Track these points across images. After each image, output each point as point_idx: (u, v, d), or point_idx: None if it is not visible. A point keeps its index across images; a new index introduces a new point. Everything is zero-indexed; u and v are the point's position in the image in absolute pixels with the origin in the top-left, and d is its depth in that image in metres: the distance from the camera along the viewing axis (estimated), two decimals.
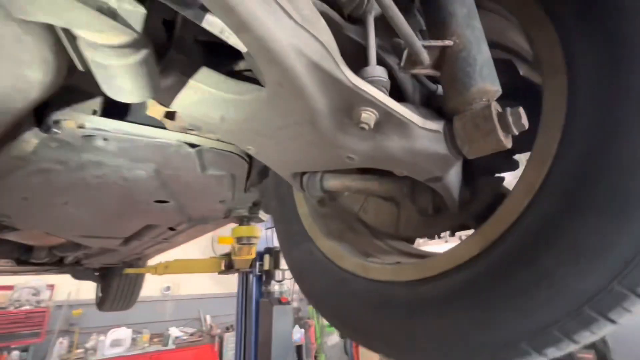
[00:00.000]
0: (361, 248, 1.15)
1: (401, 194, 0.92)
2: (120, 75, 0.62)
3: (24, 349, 6.03)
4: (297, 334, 7.00)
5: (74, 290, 7.03)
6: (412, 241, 1.27)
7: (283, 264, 3.90)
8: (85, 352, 6.49)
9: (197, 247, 6.96)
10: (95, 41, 0.54)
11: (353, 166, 0.78)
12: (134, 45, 0.59)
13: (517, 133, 0.57)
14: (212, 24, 0.67)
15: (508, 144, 0.58)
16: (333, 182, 1.03)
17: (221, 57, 0.99)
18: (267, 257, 4.14)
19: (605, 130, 0.58)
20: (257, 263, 4.17)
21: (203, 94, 0.83)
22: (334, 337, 8.17)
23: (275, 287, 4.09)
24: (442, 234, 1.04)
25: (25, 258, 2.54)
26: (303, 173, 1.06)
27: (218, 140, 1.07)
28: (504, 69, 0.85)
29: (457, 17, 0.62)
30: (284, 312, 3.84)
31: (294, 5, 0.51)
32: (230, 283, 5.95)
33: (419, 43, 0.58)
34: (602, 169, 0.57)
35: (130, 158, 1.02)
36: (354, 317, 0.94)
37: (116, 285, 3.92)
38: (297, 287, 4.86)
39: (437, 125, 0.64)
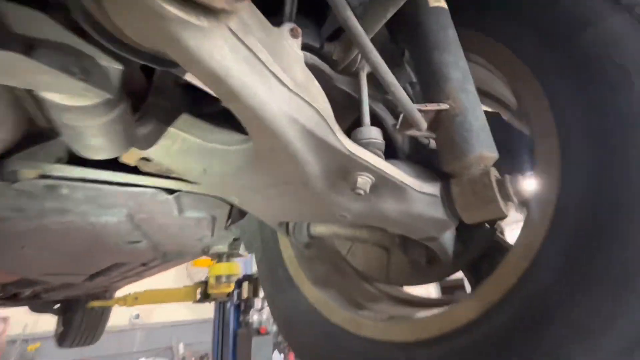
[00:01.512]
0: (350, 294, 1.10)
1: (392, 243, 0.89)
2: (92, 134, 0.56)
3: None
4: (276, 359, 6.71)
5: (31, 322, 6.44)
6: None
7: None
8: None
9: (171, 271, 6.64)
10: (64, 103, 0.48)
11: (345, 222, 0.74)
12: (108, 104, 0.54)
13: (516, 201, 0.56)
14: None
15: (508, 211, 0.56)
16: (321, 229, 0.99)
17: (207, 98, 0.95)
18: (245, 285, 3.97)
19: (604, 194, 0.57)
20: (235, 291, 3.99)
21: (184, 144, 0.78)
22: None
23: (254, 316, 3.91)
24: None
25: None
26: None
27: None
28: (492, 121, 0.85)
29: (452, 80, 0.61)
30: (263, 344, 3.65)
31: (287, 71, 0.48)
32: (207, 308, 5.67)
33: (413, 107, 0.56)
34: (602, 236, 0.56)
35: (98, 205, 0.93)
36: None
37: (79, 319, 3.61)
38: None
39: (434, 189, 0.61)
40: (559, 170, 0.61)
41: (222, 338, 4.11)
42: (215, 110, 0.96)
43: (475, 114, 0.59)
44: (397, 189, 0.60)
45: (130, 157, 0.87)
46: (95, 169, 0.85)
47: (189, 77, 0.62)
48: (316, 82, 0.55)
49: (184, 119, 0.80)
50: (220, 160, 0.74)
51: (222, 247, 1.67)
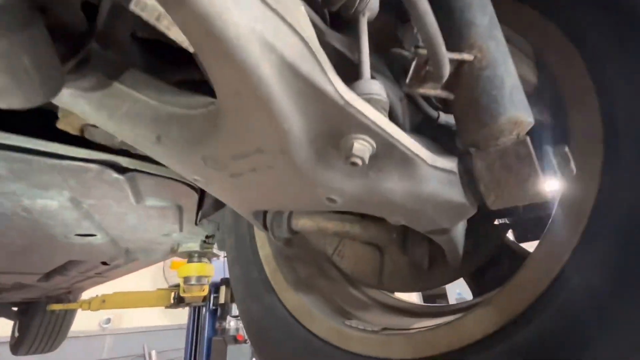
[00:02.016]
0: (335, 301, 0.94)
1: (389, 242, 0.75)
2: None
3: None
4: None
5: None
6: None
7: None
8: None
9: (146, 273, 6.32)
10: None
11: (334, 209, 0.59)
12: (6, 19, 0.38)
13: (560, 179, 0.42)
14: (144, 7, 0.47)
15: (549, 193, 0.43)
16: (304, 223, 0.83)
17: (171, 65, 0.79)
18: (223, 289, 3.74)
19: None
20: (212, 295, 3.76)
21: (135, 105, 0.62)
22: None
23: (231, 322, 3.68)
24: None
25: None
26: (267, 210, 0.85)
27: (157, 163, 0.84)
28: None
29: (478, 26, 0.47)
30: (240, 353, 3.41)
31: None
32: (183, 313, 5.36)
33: (445, 51, 0.42)
34: None
35: (30, 184, 0.75)
36: None
37: (37, 323, 3.31)
38: None
39: (450, 164, 0.47)
40: (600, 166, 0.49)
41: (196, 345, 3.85)
42: (180, 79, 0.80)
43: (507, 68, 0.46)
44: (404, 161, 0.46)
45: (69, 123, 0.70)
46: (22, 136, 0.68)
47: (134, 8, 0.48)
48: (303, 9, 0.40)
49: (135, 75, 0.64)
50: (179, 126, 0.59)
51: (194, 246, 1.49)
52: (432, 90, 0.48)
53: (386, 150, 0.44)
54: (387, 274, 0.88)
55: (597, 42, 0.54)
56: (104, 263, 1.71)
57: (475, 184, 0.46)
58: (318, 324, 0.80)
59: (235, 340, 3.51)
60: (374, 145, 0.43)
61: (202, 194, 1.06)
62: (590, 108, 0.53)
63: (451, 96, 0.49)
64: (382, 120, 0.42)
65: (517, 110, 0.44)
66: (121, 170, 0.78)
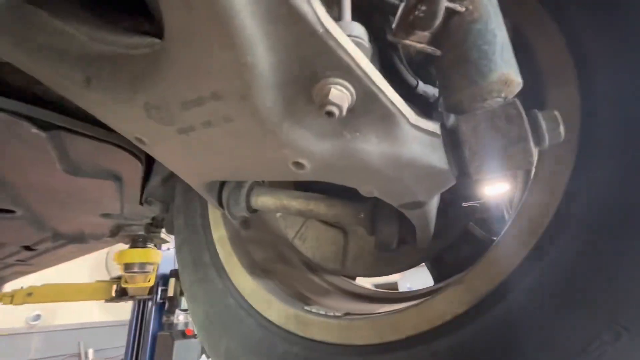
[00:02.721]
0: (294, 286, 0.88)
1: (355, 222, 0.69)
2: None
3: None
4: None
5: None
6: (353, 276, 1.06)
7: None
8: None
9: (85, 264, 5.78)
10: None
11: (301, 178, 0.52)
12: None
13: (547, 146, 0.39)
14: None
15: (535, 160, 0.40)
16: (264, 200, 0.76)
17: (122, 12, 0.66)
18: (172, 282, 3.49)
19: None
20: (159, 288, 3.49)
21: (57, 37, 0.50)
22: None
23: (180, 317, 3.45)
24: None
25: None
26: (223, 183, 0.76)
27: (92, 122, 0.70)
28: None
29: None
30: (188, 348, 3.21)
31: None
32: (125, 308, 4.96)
33: None
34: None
35: None
36: None
37: None
38: None
39: (433, 126, 0.43)
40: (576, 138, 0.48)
41: (139, 342, 3.57)
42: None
43: (498, 23, 0.42)
44: (385, 118, 0.40)
45: None
46: None
47: None
48: None
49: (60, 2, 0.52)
50: (114, 66, 0.48)
51: (138, 229, 1.33)
52: (418, 43, 0.43)
53: (367, 102, 0.38)
54: (350, 258, 0.83)
55: (576, 17, 0.52)
56: (27, 248, 1.48)
57: (459, 149, 0.42)
58: (275, 310, 0.73)
59: (184, 335, 3.31)
60: (354, 93, 0.37)
61: (148, 166, 0.93)
62: (569, 83, 0.51)
63: (437, 52, 0.44)
64: (366, 63, 0.36)
65: (508, 68, 0.40)
66: (43, 125, 0.64)
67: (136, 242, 1.61)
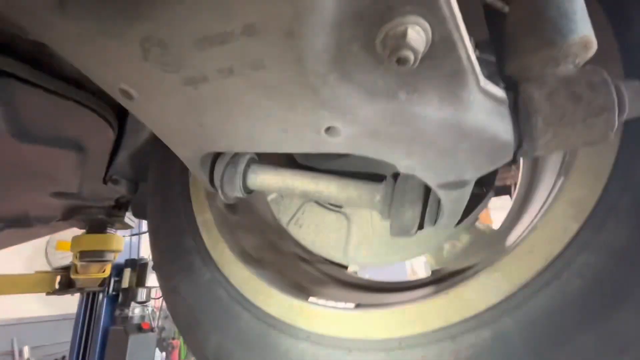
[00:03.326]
0: (289, 276, 0.80)
1: (370, 205, 0.63)
2: None
3: None
4: (157, 359, 5.80)
5: None
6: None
7: (152, 280, 3.07)
8: None
9: (21, 254, 5.19)
10: None
11: (327, 149, 0.44)
12: None
13: (626, 118, 0.35)
14: None
15: (613, 135, 0.36)
16: (264, 179, 0.67)
17: None
18: (127, 272, 3.20)
19: None
20: (113, 279, 3.19)
21: None
22: None
23: (135, 310, 3.19)
24: None
25: None
26: (215, 157, 0.66)
27: (53, 74, 0.56)
28: None
29: None
30: (144, 343, 2.97)
31: None
32: (69, 301, 4.50)
33: None
34: None
35: None
36: None
37: None
38: (164, 304, 3.96)
39: (500, 92, 0.37)
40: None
41: (87, 337, 3.26)
42: None
43: None
44: (454, 76, 0.34)
45: None
46: None
47: None
48: None
49: None
50: None
51: (97, 212, 1.16)
52: None
53: (439, 53, 0.32)
54: (353, 244, 0.77)
55: None
56: None
57: (530, 119, 0.36)
58: (275, 302, 0.65)
59: (140, 329, 3.07)
60: (430, 39, 0.30)
61: (119, 136, 0.79)
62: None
63: (505, 7, 0.38)
64: (454, 1, 0.29)
65: (589, 30, 0.36)
66: None
67: (94, 227, 1.40)
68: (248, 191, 0.68)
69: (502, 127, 0.37)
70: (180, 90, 0.41)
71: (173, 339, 7.17)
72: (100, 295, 3.24)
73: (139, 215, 1.18)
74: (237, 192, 0.67)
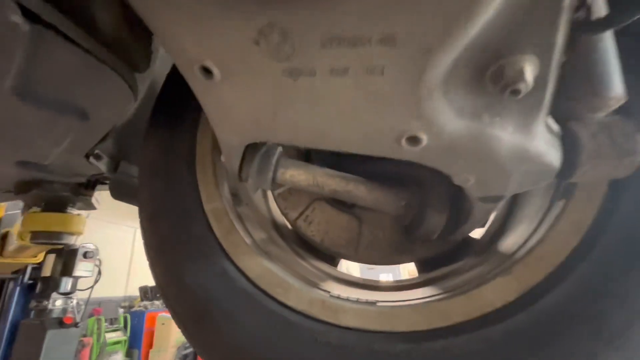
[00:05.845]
0: (296, 270, 0.81)
1: (394, 209, 0.68)
2: None
3: None
4: None
5: None
6: (334, 262, 1.04)
7: (80, 269, 2.71)
8: None
9: None
10: None
11: (400, 156, 0.48)
12: None
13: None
14: None
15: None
16: (294, 174, 0.68)
17: None
18: (51, 258, 2.78)
19: None
20: (30, 266, 2.74)
21: None
22: (117, 357, 6.56)
23: (57, 302, 2.79)
24: None
25: None
26: (248, 146, 0.65)
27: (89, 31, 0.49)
28: None
29: None
30: (64, 339, 2.60)
31: None
32: None
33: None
34: None
35: None
36: None
37: None
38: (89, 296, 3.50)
39: (556, 126, 0.45)
40: None
41: None
42: None
43: (615, 43, 0.46)
44: (532, 108, 0.40)
45: None
46: None
47: None
48: None
49: None
50: None
51: (60, 188, 1.02)
52: None
53: (534, 87, 0.38)
54: (363, 245, 0.81)
55: None
56: None
57: (576, 152, 0.45)
58: (295, 295, 0.66)
59: (61, 323, 2.71)
60: (538, 73, 0.36)
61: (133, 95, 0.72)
62: None
63: (564, 57, 0.46)
64: (560, 47, 0.35)
65: (623, 87, 0.45)
66: (30, 16, 0.42)
67: (52, 205, 1.19)
68: (275, 185, 0.68)
69: (554, 156, 0.45)
70: (276, 79, 0.41)
71: (85, 336, 6.43)
72: (11, 284, 2.78)
73: (116, 196, 1.05)
74: (265, 184, 0.67)
